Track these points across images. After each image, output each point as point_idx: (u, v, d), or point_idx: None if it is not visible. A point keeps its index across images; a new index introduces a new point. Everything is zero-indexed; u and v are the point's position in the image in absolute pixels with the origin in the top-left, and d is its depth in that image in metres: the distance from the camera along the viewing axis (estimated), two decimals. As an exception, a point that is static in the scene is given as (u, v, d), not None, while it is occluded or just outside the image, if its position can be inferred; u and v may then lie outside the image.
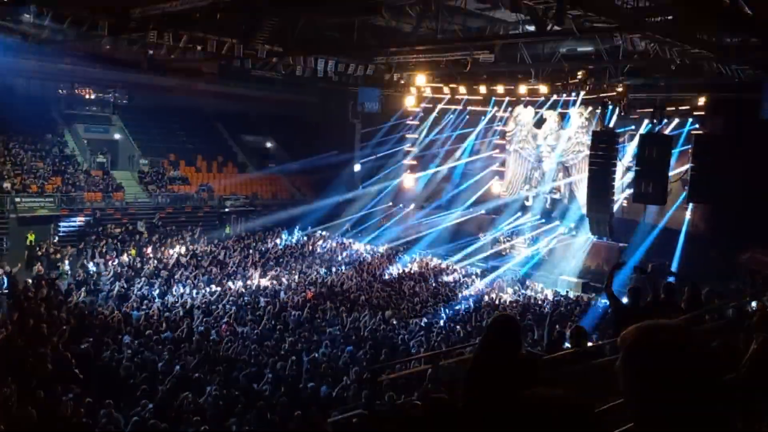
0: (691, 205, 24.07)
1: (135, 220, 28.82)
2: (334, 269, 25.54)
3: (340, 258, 28.08)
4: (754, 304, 9.93)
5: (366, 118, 32.54)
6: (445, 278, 25.72)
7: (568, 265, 26.92)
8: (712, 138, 22.67)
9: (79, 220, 27.74)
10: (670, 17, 14.98)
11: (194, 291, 20.02)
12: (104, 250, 24.49)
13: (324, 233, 31.84)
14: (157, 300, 18.60)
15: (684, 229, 24.55)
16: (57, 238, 26.57)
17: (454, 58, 23.85)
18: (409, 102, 31.42)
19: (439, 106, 30.86)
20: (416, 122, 32.76)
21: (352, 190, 34.48)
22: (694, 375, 1.51)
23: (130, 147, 33.84)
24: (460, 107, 30.20)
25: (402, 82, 29.13)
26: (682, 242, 24.06)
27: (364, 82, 27.19)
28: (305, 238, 31.02)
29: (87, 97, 34.66)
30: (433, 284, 24.11)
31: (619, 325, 8.15)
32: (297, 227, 31.58)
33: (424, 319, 18.01)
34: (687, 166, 22.95)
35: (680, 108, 23.86)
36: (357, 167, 35.23)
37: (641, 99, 24.20)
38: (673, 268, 22.26)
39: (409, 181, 33.73)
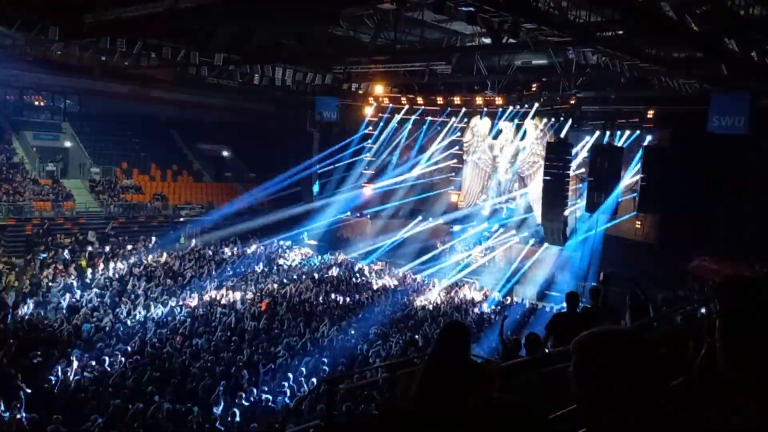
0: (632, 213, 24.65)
1: (86, 230, 28.02)
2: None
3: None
4: (703, 310, 10.21)
5: (324, 128, 32.39)
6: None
7: (524, 273, 27.26)
8: (660, 150, 23.35)
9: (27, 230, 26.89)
10: (620, 32, 15.42)
11: (148, 302, 19.55)
12: (53, 261, 23.73)
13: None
14: (108, 312, 18.10)
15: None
16: (3, 248, 25.67)
17: (412, 68, 24.09)
18: (368, 112, 31.47)
19: (398, 117, 30.97)
20: (374, 132, 32.80)
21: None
22: (644, 380, 1.54)
23: (81, 155, 32.93)
24: (418, 117, 30.40)
25: (360, 92, 29.20)
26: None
27: (322, 92, 27.16)
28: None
29: (37, 103, 33.69)
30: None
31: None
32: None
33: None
34: (637, 177, 23.59)
35: (630, 120, 24.47)
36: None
37: (593, 111, 24.76)
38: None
39: (367, 191, 33.68)
